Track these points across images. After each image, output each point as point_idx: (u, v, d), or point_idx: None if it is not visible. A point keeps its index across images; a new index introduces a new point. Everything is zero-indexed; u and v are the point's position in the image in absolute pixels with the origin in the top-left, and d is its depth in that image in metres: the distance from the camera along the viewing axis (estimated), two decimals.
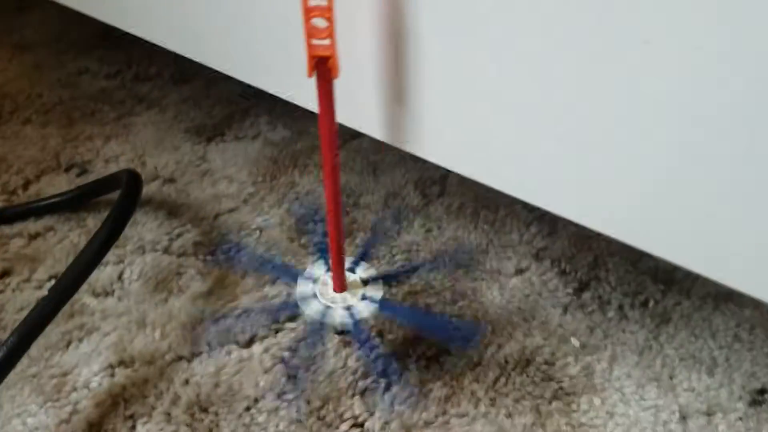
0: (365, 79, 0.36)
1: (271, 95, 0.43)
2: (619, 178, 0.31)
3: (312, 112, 0.37)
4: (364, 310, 0.43)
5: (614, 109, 0.30)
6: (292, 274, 0.47)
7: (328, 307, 0.43)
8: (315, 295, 0.44)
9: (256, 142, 0.61)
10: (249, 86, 0.45)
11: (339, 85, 0.34)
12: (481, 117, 0.34)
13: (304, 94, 0.40)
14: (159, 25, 0.48)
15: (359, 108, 0.38)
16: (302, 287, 0.45)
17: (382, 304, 0.44)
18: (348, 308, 0.43)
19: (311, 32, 0.29)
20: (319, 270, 0.46)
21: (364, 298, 0.44)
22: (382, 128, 0.38)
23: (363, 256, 0.48)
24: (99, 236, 0.42)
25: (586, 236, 0.51)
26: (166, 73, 0.71)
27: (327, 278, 0.45)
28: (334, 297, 0.44)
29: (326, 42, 0.29)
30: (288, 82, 0.41)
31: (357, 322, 0.43)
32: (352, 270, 0.46)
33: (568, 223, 0.52)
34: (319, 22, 0.29)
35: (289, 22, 0.36)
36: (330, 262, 0.43)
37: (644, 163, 0.30)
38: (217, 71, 0.46)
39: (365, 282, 0.45)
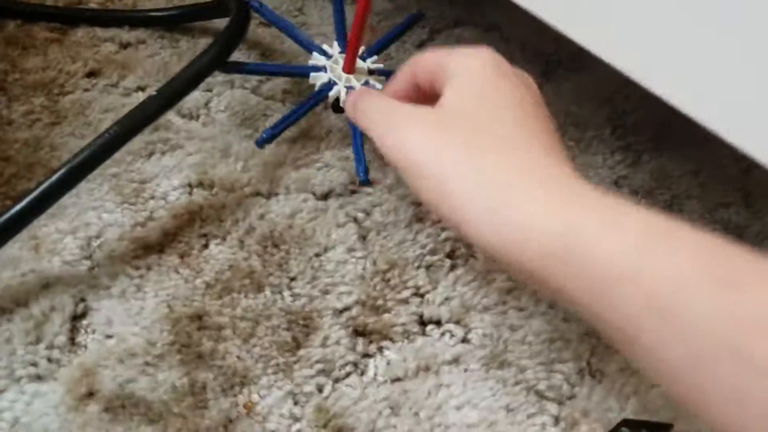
0: None
1: None
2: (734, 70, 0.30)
3: None
4: None
5: None
6: (310, 46, 0.48)
7: (333, 82, 0.45)
8: (325, 69, 0.46)
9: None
10: None
11: None
12: None
13: None
14: None
15: None
16: (316, 59, 0.47)
17: None
18: (349, 88, 0.45)
19: None
20: (333, 50, 0.48)
21: (366, 83, 0.45)
22: None
23: (374, 52, 0.49)
24: (208, 54, 0.42)
25: (668, 174, 0.51)
26: None
27: (339, 58, 0.46)
28: (340, 75, 0.45)
29: None
30: None
31: None
32: (362, 58, 0.47)
33: (651, 158, 0.52)
34: None
35: None
36: (346, 43, 0.45)
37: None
38: None
39: (371, 72, 0.47)
